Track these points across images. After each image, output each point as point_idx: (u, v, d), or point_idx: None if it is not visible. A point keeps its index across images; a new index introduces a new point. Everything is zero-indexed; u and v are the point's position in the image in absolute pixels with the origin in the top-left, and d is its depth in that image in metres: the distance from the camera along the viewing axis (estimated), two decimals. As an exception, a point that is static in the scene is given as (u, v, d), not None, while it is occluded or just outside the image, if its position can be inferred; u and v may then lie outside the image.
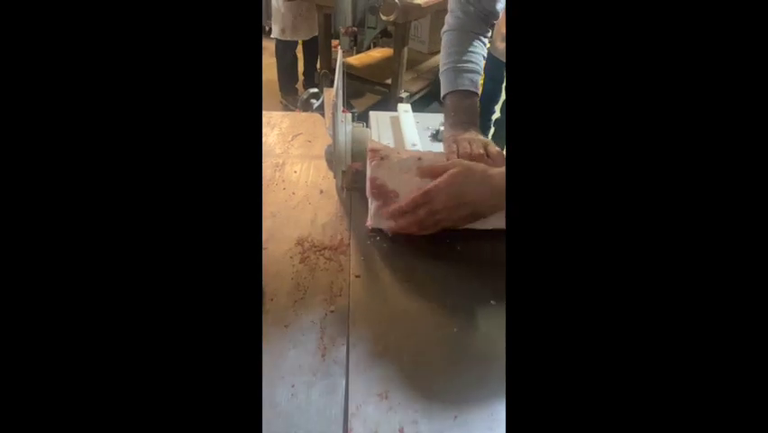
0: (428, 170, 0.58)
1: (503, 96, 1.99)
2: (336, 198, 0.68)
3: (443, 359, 0.46)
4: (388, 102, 2.36)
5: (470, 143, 0.64)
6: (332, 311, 0.50)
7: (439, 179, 0.55)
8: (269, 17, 3.42)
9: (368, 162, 0.61)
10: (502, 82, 1.96)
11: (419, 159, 0.61)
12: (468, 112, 0.72)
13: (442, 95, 0.77)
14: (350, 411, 0.41)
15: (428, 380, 0.43)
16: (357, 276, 0.54)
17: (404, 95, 2.31)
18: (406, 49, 2.23)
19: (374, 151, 0.61)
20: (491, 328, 0.49)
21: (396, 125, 0.90)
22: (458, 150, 0.64)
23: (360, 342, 0.47)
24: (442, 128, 0.81)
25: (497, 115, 2.18)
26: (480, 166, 0.56)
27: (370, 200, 0.61)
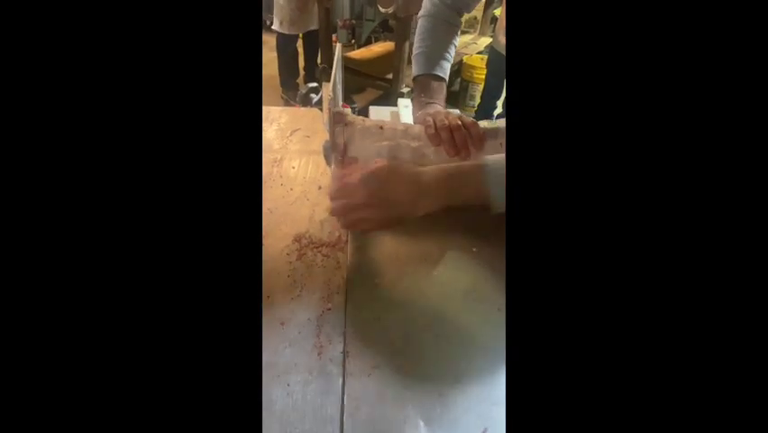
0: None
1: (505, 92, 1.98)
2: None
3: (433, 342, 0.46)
4: (388, 97, 2.35)
5: (445, 116, 0.64)
6: (329, 309, 0.49)
7: (361, 173, 0.51)
8: (270, 11, 3.41)
9: (330, 124, 0.61)
10: (503, 77, 1.95)
11: (381, 127, 0.61)
12: (436, 93, 0.76)
13: (413, 76, 0.82)
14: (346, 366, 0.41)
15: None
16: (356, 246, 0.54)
17: (405, 90, 2.30)
18: (407, 43, 2.21)
19: (340, 114, 0.61)
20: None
21: (396, 120, 0.90)
22: (434, 123, 0.62)
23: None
24: (415, 119, 0.83)
25: (499, 110, 2.17)
26: (408, 165, 0.55)
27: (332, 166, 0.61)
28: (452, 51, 0.83)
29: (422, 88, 0.78)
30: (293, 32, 2.47)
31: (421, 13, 0.85)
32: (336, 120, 0.61)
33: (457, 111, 0.71)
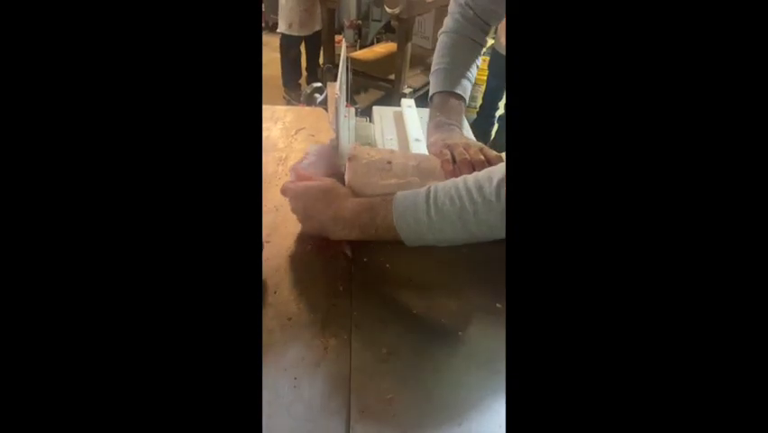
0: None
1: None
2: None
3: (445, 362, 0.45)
4: (391, 97, 2.35)
5: (465, 149, 0.61)
6: (334, 305, 0.50)
7: (302, 184, 0.57)
8: (272, 12, 3.41)
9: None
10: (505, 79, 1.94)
11: (389, 162, 0.58)
12: (453, 113, 0.72)
13: (430, 94, 0.76)
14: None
15: (430, 383, 0.43)
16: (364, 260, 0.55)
17: (407, 90, 2.30)
18: (409, 44, 2.22)
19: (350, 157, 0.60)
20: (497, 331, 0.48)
21: (399, 121, 0.90)
22: (452, 156, 0.61)
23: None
24: (432, 145, 0.77)
25: (500, 111, 2.18)
26: (344, 191, 0.56)
27: None
28: (474, 72, 0.77)
29: (439, 107, 0.72)
30: (302, 34, 2.48)
31: (442, 29, 0.79)
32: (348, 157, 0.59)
33: (479, 143, 0.65)
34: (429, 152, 0.69)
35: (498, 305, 0.50)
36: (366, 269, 0.55)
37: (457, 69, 0.74)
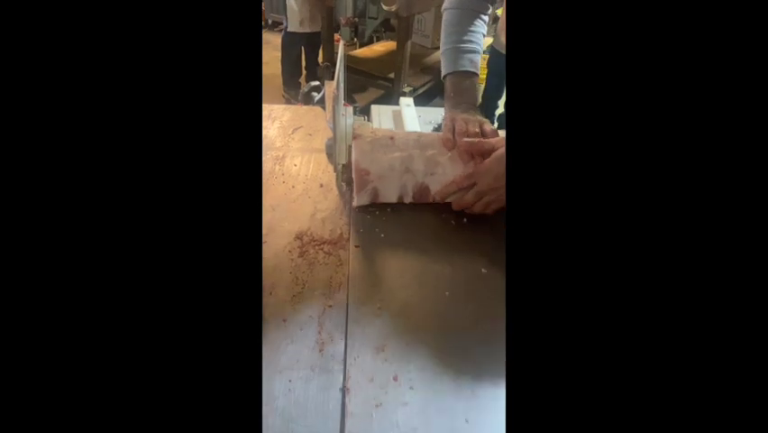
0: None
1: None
2: (336, 191, 0.67)
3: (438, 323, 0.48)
4: (390, 96, 2.35)
5: (465, 122, 0.64)
6: (330, 306, 0.49)
7: (486, 161, 0.59)
8: (272, 10, 3.40)
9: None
10: (505, 77, 1.94)
11: (391, 138, 0.62)
12: (467, 93, 0.73)
13: (442, 75, 0.76)
14: (348, 362, 0.43)
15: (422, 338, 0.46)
16: (356, 246, 0.57)
17: (407, 89, 2.30)
18: (409, 43, 2.21)
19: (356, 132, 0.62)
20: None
21: (398, 119, 0.90)
22: (454, 128, 0.64)
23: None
24: (443, 122, 0.80)
25: (500, 110, 2.17)
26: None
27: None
28: (480, 40, 0.76)
29: (453, 88, 0.73)
30: (313, 30, 2.48)
31: (445, 5, 0.79)
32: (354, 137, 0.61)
33: (481, 117, 0.68)
34: (443, 126, 0.72)
35: (483, 270, 0.55)
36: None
37: (464, 45, 0.74)
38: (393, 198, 0.63)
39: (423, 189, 0.62)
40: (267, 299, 0.49)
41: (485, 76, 2.24)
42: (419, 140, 0.62)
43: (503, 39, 1.79)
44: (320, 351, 0.45)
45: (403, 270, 0.54)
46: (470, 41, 0.75)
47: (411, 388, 0.42)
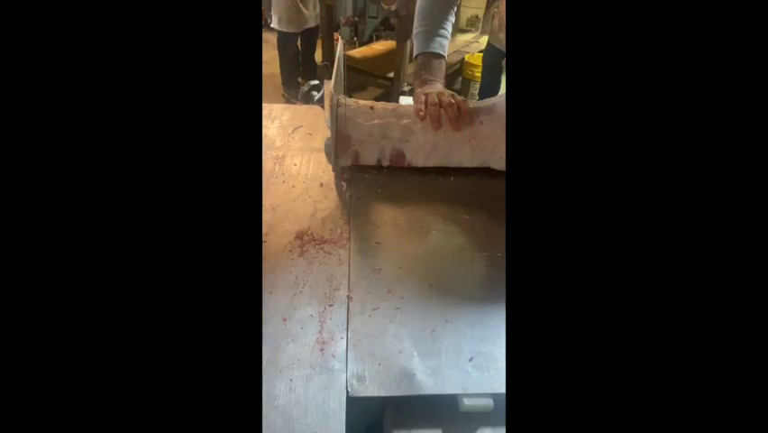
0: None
1: (502, 89, 1.98)
2: (336, 191, 0.67)
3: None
4: (390, 95, 2.35)
5: (437, 95, 0.70)
6: (330, 305, 0.49)
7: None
8: (271, 10, 3.39)
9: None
10: (500, 73, 1.94)
11: (371, 107, 0.68)
12: (436, 70, 0.81)
13: (414, 54, 0.85)
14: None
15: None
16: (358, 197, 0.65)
17: (406, 88, 2.30)
18: (408, 42, 2.21)
19: (338, 100, 0.67)
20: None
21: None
22: (426, 100, 0.69)
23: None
24: (414, 96, 0.85)
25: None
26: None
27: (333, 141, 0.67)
28: (449, 28, 0.86)
29: (423, 66, 0.82)
30: (291, 30, 2.45)
31: None
32: (330, 97, 0.66)
33: (450, 91, 0.74)
34: (414, 99, 0.78)
35: (465, 216, 0.64)
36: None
37: (434, 29, 0.83)
38: (372, 161, 0.70)
39: (398, 154, 0.69)
40: (267, 299, 0.50)
41: (479, 73, 2.24)
42: (396, 110, 0.70)
43: (501, 36, 1.79)
44: (321, 350, 0.45)
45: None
46: (441, 27, 0.84)
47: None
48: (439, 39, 0.83)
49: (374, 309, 0.49)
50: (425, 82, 0.79)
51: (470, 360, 0.45)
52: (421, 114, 0.67)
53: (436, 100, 0.69)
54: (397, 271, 0.54)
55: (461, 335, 0.47)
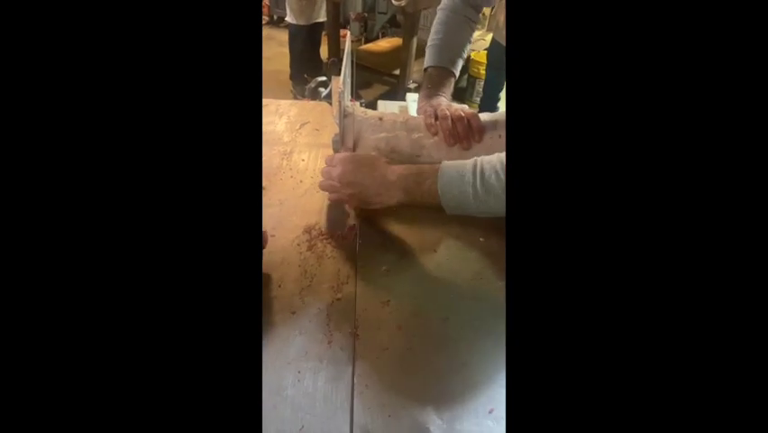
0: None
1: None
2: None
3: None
4: (396, 92, 2.35)
5: (447, 107, 0.67)
6: (338, 299, 0.50)
7: (347, 153, 0.62)
8: (277, 6, 3.39)
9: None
10: (505, 70, 1.94)
11: (380, 119, 0.65)
12: (443, 86, 0.78)
13: (424, 66, 0.82)
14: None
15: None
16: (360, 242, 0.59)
17: (412, 85, 2.30)
18: (415, 39, 2.21)
19: (347, 109, 0.65)
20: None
21: (402, 113, 0.90)
22: (435, 113, 0.66)
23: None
24: (418, 110, 0.84)
25: (501, 103, 2.15)
26: (385, 160, 0.60)
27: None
28: (467, 48, 0.83)
29: (430, 80, 0.79)
30: (300, 23, 2.45)
31: (440, 5, 0.84)
32: (344, 115, 0.64)
33: (464, 106, 0.71)
34: (418, 112, 0.75)
35: (481, 239, 0.59)
36: (369, 263, 0.55)
37: (449, 44, 0.80)
38: None
39: None
40: (276, 292, 0.50)
41: (483, 70, 2.23)
42: (406, 122, 0.65)
43: (505, 33, 1.78)
44: (328, 343, 0.45)
45: (411, 258, 0.55)
46: (455, 43, 0.81)
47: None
48: (452, 56, 0.80)
49: (383, 350, 0.45)
50: (429, 96, 0.76)
51: (491, 412, 0.41)
52: (432, 129, 0.64)
53: (447, 113, 0.64)
54: (410, 304, 0.50)
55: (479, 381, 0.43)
